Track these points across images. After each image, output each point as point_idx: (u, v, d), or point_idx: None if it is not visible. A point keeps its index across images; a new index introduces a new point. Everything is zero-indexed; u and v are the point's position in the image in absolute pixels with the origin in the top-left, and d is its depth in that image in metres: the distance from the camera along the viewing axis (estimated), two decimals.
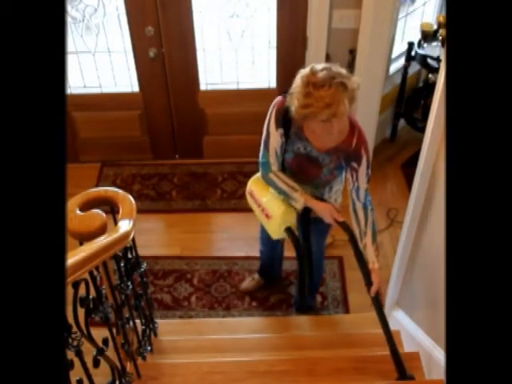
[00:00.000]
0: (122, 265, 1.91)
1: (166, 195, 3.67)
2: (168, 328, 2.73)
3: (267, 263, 2.92)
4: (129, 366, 2.09)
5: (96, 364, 1.71)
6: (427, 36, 3.54)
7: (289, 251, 3.25)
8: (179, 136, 3.79)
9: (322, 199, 2.11)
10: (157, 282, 3.11)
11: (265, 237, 2.54)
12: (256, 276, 3.06)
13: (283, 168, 2.11)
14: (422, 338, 2.38)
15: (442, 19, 3.52)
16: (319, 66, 1.73)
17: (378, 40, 3.09)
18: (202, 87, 3.57)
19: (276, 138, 1.99)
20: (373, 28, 3.04)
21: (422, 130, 2.14)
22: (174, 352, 2.50)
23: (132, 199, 1.87)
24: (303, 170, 2.05)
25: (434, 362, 2.26)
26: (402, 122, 4.03)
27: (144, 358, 2.24)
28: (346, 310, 2.97)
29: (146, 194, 3.70)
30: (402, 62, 3.68)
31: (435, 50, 3.50)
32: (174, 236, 3.43)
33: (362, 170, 1.95)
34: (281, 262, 2.98)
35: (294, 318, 2.89)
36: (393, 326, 2.65)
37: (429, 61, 3.48)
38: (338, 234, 3.34)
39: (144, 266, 2.16)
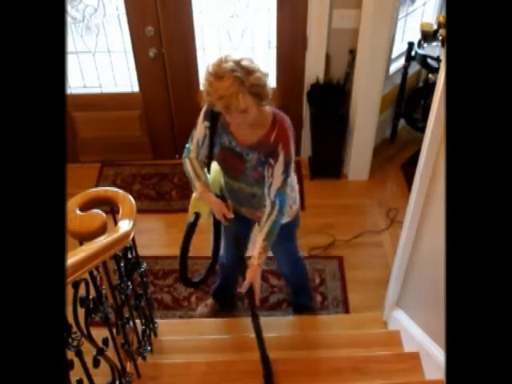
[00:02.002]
0: (122, 265, 1.91)
1: (165, 195, 3.67)
2: (168, 328, 2.73)
3: (224, 281, 2.81)
4: (129, 366, 2.09)
5: (96, 364, 1.71)
6: (427, 36, 3.54)
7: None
8: (179, 136, 3.79)
9: (251, 205, 2.14)
10: (157, 282, 3.11)
11: (224, 238, 2.50)
12: (209, 301, 2.93)
13: (208, 162, 2.14)
14: (422, 338, 2.38)
15: (442, 19, 3.52)
16: (230, 58, 1.74)
17: (378, 40, 3.09)
18: (202, 87, 3.57)
19: (201, 129, 2.04)
20: (373, 28, 3.04)
21: (422, 130, 2.14)
22: (173, 352, 2.50)
23: (132, 199, 1.87)
24: (229, 164, 2.06)
25: (434, 362, 2.26)
26: (402, 122, 4.03)
27: (144, 358, 2.24)
28: (346, 310, 2.97)
29: (146, 194, 3.70)
30: (402, 62, 3.69)
31: (435, 50, 3.50)
32: (174, 236, 3.41)
33: (278, 167, 1.93)
34: (238, 279, 2.83)
35: (294, 318, 2.88)
36: (393, 326, 2.66)
37: (429, 61, 3.49)
38: (338, 234, 3.35)
39: (144, 266, 2.15)
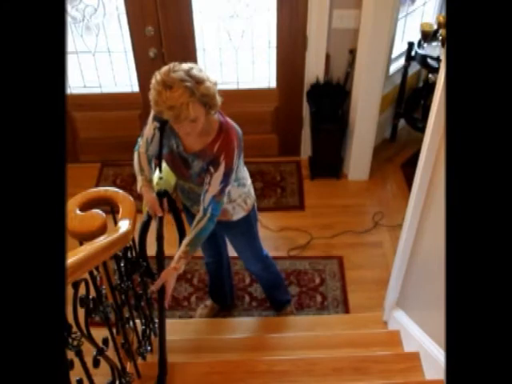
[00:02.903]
0: (122, 265, 1.91)
1: None
2: (168, 328, 2.72)
3: (214, 280, 2.83)
4: (129, 366, 2.09)
5: (96, 364, 1.71)
6: (427, 36, 3.54)
7: (284, 251, 3.25)
8: None
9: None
10: None
11: (205, 243, 2.46)
12: (208, 302, 2.95)
13: (160, 160, 2.13)
14: (422, 338, 2.38)
15: (442, 19, 3.52)
16: (179, 67, 1.73)
17: (378, 40, 3.09)
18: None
19: (150, 128, 2.02)
20: (373, 28, 3.04)
21: (422, 130, 2.14)
22: (173, 352, 2.50)
23: (132, 199, 1.87)
24: (176, 168, 2.06)
25: (434, 362, 2.26)
26: (402, 122, 4.03)
27: (144, 358, 2.24)
28: (346, 310, 2.97)
29: None
30: (402, 62, 3.68)
31: (435, 49, 3.50)
32: (174, 236, 3.41)
33: (217, 177, 1.92)
34: (230, 277, 2.89)
35: (294, 318, 2.89)
36: (393, 326, 2.66)
37: (429, 61, 3.48)
38: (336, 234, 3.35)
39: (144, 265, 2.15)
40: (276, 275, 2.79)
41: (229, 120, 1.98)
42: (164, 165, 2.14)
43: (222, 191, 1.95)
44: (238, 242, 2.48)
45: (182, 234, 2.23)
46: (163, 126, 1.98)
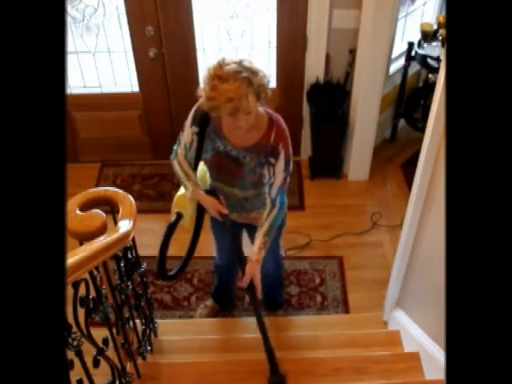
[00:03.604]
0: (122, 265, 1.91)
1: (165, 195, 3.67)
2: (168, 328, 2.73)
3: (223, 282, 2.83)
4: (129, 366, 2.09)
5: (96, 364, 1.71)
6: (427, 36, 3.54)
7: (284, 251, 3.25)
8: None
9: (242, 206, 2.14)
10: (157, 282, 3.11)
11: (218, 240, 2.52)
12: (209, 302, 2.94)
13: (195, 166, 2.12)
14: (422, 338, 2.38)
15: (442, 19, 3.52)
16: (228, 60, 1.72)
17: (378, 40, 3.09)
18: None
19: (188, 134, 2.01)
20: (373, 28, 3.04)
21: (422, 130, 2.14)
22: (173, 352, 2.50)
23: (132, 199, 1.87)
24: (224, 169, 2.04)
25: (434, 362, 2.26)
26: (402, 122, 4.03)
27: (144, 358, 2.24)
28: (346, 310, 2.97)
29: (146, 194, 3.70)
30: (401, 62, 3.68)
31: (435, 50, 3.50)
32: (174, 236, 3.40)
33: (280, 165, 1.94)
34: (236, 279, 2.87)
35: (294, 318, 2.89)
36: (393, 326, 2.66)
37: (429, 61, 3.48)
38: (336, 234, 3.35)
39: (144, 265, 2.16)
40: (282, 277, 2.82)
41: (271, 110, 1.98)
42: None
43: (284, 180, 2.00)
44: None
45: (197, 232, 2.27)
46: (203, 130, 1.97)
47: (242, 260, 2.08)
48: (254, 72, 1.72)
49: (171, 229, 2.22)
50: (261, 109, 1.92)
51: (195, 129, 1.98)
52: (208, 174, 2.19)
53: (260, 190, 2.06)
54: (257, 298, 2.06)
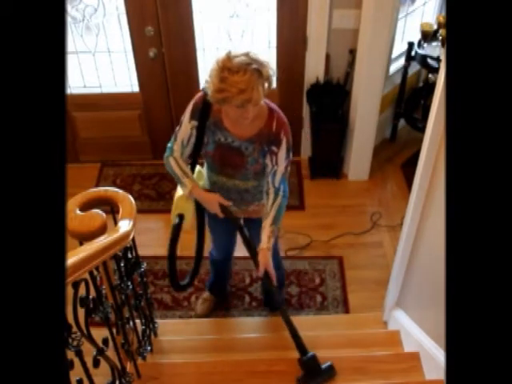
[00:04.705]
0: (122, 265, 1.91)
1: (165, 195, 3.67)
2: (168, 328, 2.73)
3: (220, 276, 2.85)
4: (129, 366, 2.09)
5: (96, 364, 1.71)
6: (427, 36, 3.54)
7: (284, 251, 3.25)
8: None
9: (246, 200, 2.15)
10: (157, 282, 3.11)
11: (216, 236, 2.53)
12: (206, 295, 2.96)
13: (192, 162, 2.13)
14: (422, 338, 2.38)
15: (442, 19, 3.52)
16: (236, 52, 1.74)
17: (378, 40, 3.09)
18: (204, 86, 3.56)
19: (186, 129, 2.01)
20: (373, 28, 3.04)
21: (422, 129, 2.14)
22: (173, 352, 2.50)
23: (132, 199, 1.87)
24: (227, 160, 2.04)
25: (434, 362, 2.26)
26: (402, 122, 4.03)
27: (144, 358, 2.24)
28: (346, 310, 2.97)
29: (146, 194, 3.70)
30: (402, 62, 3.68)
31: (435, 50, 3.50)
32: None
33: (282, 153, 1.97)
34: (230, 272, 2.93)
35: (294, 318, 2.87)
36: (393, 326, 2.66)
37: (429, 61, 3.48)
38: (336, 234, 3.35)
39: (144, 265, 2.15)
40: (283, 275, 2.82)
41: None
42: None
43: (286, 168, 2.02)
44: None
45: (201, 236, 2.30)
46: (203, 123, 1.98)
47: (252, 250, 2.10)
48: (262, 63, 1.74)
49: (176, 233, 2.23)
50: None
51: (194, 123, 1.99)
52: (205, 173, 2.19)
53: (260, 180, 2.08)
54: (273, 285, 2.12)
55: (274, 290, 2.16)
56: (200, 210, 2.25)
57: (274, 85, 1.85)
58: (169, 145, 2.09)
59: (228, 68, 1.70)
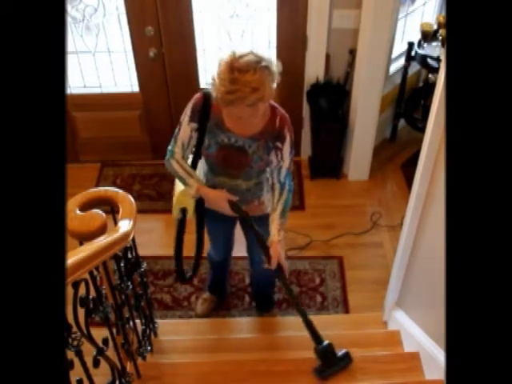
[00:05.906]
0: (122, 265, 1.91)
1: (165, 195, 3.67)
2: (168, 328, 2.73)
3: (219, 276, 2.86)
4: (129, 366, 2.09)
5: (96, 364, 1.71)
6: (427, 36, 3.54)
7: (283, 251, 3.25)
8: None
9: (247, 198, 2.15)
10: (157, 282, 3.11)
11: (214, 238, 2.52)
12: (206, 295, 2.96)
13: (195, 163, 2.12)
14: (422, 338, 2.38)
15: (442, 19, 3.52)
16: (241, 52, 1.72)
17: (378, 40, 3.09)
18: (202, 87, 3.57)
19: (186, 131, 1.99)
20: (373, 28, 3.04)
21: (422, 130, 2.14)
22: (174, 352, 2.50)
23: (132, 199, 1.87)
24: (231, 161, 2.03)
25: (434, 362, 2.26)
26: (402, 122, 4.03)
27: (144, 358, 2.24)
28: (346, 310, 2.97)
29: (146, 194, 3.70)
30: (402, 62, 3.69)
31: (435, 50, 3.50)
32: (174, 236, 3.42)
33: (286, 148, 1.98)
34: (229, 270, 2.93)
35: (294, 318, 2.88)
36: (393, 326, 2.66)
37: (429, 61, 3.49)
38: (336, 234, 3.35)
39: (144, 265, 2.16)
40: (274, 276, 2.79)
41: None
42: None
43: (290, 162, 2.04)
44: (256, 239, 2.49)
45: (200, 228, 2.30)
46: (203, 125, 1.96)
47: (263, 244, 2.11)
48: (268, 60, 1.73)
49: (181, 227, 2.24)
50: None
51: (194, 125, 1.97)
52: (201, 175, 2.18)
53: (261, 178, 2.09)
54: (285, 277, 2.16)
55: (287, 281, 2.19)
56: (199, 205, 2.25)
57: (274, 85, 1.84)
58: (169, 148, 2.08)
59: (238, 68, 1.67)
